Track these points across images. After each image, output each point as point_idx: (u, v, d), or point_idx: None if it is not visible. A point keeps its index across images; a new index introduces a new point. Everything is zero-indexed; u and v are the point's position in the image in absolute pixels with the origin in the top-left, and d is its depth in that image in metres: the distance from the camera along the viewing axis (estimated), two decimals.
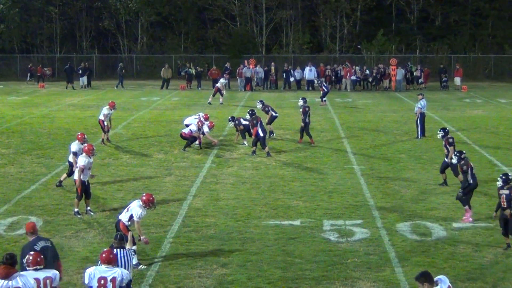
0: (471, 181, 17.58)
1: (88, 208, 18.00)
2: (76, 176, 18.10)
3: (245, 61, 53.71)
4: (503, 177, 15.49)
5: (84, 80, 53.24)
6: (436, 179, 21.78)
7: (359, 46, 64.73)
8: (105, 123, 27.59)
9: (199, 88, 52.49)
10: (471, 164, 17.92)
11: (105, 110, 27.76)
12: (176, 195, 19.92)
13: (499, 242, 15.70)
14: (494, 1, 64.33)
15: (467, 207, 17.46)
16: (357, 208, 18.58)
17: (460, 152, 18.29)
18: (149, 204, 14.42)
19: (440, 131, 22.09)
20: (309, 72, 52.18)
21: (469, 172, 17.59)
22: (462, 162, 17.85)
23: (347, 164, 24.35)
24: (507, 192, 15.16)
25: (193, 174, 22.63)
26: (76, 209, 17.90)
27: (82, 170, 17.82)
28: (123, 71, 53.72)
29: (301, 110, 28.40)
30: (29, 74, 57.22)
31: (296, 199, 19.45)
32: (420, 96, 30.34)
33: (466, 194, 17.47)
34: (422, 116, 29.73)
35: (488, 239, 16.03)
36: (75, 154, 19.91)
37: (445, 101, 43.90)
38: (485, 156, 25.55)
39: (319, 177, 22.26)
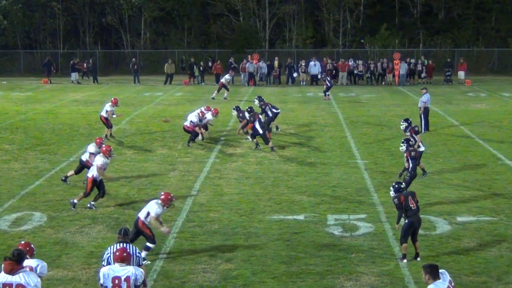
0: (413, 172, 18.22)
1: (93, 202, 18.07)
2: (90, 174, 18.22)
3: (249, 56, 53.73)
4: (396, 185, 14.71)
5: (75, 75, 53.77)
6: (440, 173, 21.80)
7: (362, 41, 64.66)
8: (109, 119, 27.59)
9: (202, 83, 52.52)
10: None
11: (108, 106, 27.75)
12: (180, 190, 19.93)
13: (504, 236, 15.72)
14: None
15: None
16: (361, 203, 18.59)
17: (407, 140, 19.29)
18: (167, 202, 14.47)
19: (403, 122, 22.41)
20: (314, 67, 52.18)
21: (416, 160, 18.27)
22: (412, 148, 18.68)
23: (350, 158, 24.35)
24: (396, 201, 14.38)
25: (197, 169, 22.64)
26: (75, 201, 18.03)
27: (99, 169, 17.98)
28: (135, 66, 53.60)
29: (260, 108, 28.62)
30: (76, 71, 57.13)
31: (300, 194, 19.46)
32: (424, 90, 30.30)
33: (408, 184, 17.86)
34: (426, 110, 29.70)
35: (492, 233, 16.03)
36: (93, 155, 19.91)
37: (448, 95, 43.85)
38: (489, 150, 25.52)
39: (323, 171, 22.26)
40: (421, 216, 17.21)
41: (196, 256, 14.51)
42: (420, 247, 14.48)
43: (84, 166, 20.21)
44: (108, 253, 11.27)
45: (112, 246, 11.39)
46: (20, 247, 10.44)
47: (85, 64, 55.51)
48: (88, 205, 18.04)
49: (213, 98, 41.53)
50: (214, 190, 19.89)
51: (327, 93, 41.28)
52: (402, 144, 19.35)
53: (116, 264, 10.36)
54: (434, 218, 17.17)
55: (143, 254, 13.70)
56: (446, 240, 15.54)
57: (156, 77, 56.16)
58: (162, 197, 14.55)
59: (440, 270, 9.91)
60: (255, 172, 22.15)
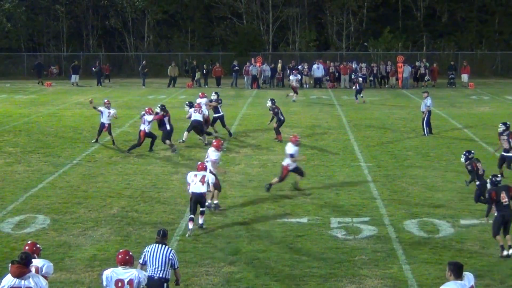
0: (478, 182, 17.61)
1: (216, 201, 18.24)
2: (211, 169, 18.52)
3: (252, 59, 53.75)
4: (492, 178, 15.09)
5: (76, 77, 54.14)
6: (444, 176, 21.74)
7: (365, 44, 64.66)
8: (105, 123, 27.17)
9: (206, 86, 52.56)
10: (478, 165, 18.07)
11: (101, 108, 27.49)
12: (183, 193, 19.85)
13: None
14: None
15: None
16: (364, 206, 18.57)
17: (469, 152, 18.61)
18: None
19: (501, 125, 22.15)
20: (317, 70, 52.18)
21: (475, 172, 17.87)
22: (468, 162, 18.24)
23: (354, 161, 24.33)
24: (487, 195, 15.05)
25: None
26: (216, 201, 18.23)
27: (214, 164, 18.39)
28: (146, 69, 53.77)
29: (271, 111, 28.39)
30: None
31: (303, 197, 19.44)
32: (426, 94, 30.16)
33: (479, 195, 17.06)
34: (429, 113, 29.60)
35: None
36: (292, 156, 19.86)
37: (452, 98, 43.82)
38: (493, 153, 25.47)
39: (326, 174, 22.25)
40: (424, 219, 17.31)
41: (199, 258, 14.50)
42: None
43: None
44: (145, 251, 11.42)
45: (150, 246, 11.48)
46: (27, 249, 10.49)
47: (93, 68, 55.61)
48: (209, 205, 18.05)
49: (293, 100, 41.67)
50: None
51: (361, 95, 41.13)
52: (462, 156, 18.91)
53: (119, 267, 10.35)
54: (438, 221, 17.15)
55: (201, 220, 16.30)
56: (449, 243, 15.52)
57: (159, 80, 56.20)
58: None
59: (465, 272, 9.93)
60: (258, 175, 22.14)
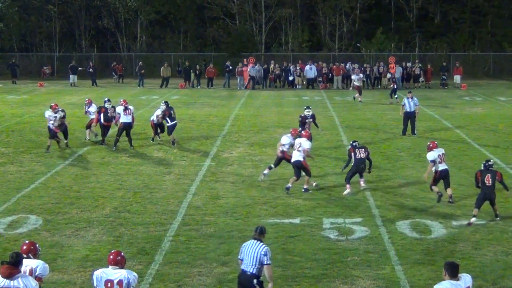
0: (353, 163, 19.96)
1: (306, 186, 20.14)
2: (300, 158, 20.12)
3: (244, 60, 53.73)
4: (485, 162, 17.60)
5: (74, 78, 54.23)
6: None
7: (358, 45, 64.73)
8: (52, 127, 26.25)
9: (199, 87, 52.56)
10: (356, 151, 19.92)
11: (47, 113, 26.73)
12: (176, 193, 19.92)
13: (499, 240, 15.73)
14: None
15: (348, 185, 19.78)
16: (356, 206, 18.59)
17: (354, 141, 20.59)
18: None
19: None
20: (309, 71, 52.20)
21: (353, 157, 19.91)
22: (349, 148, 20.38)
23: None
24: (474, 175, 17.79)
25: (193, 172, 22.63)
26: (305, 186, 20.22)
27: (307, 151, 20.14)
28: (142, 70, 53.69)
29: (310, 120, 26.95)
30: (113, 72, 57.39)
31: (295, 197, 19.45)
32: (411, 94, 30.05)
33: (350, 173, 19.91)
34: (411, 114, 29.43)
35: (487, 236, 16.03)
36: (433, 162, 19.31)
37: (444, 99, 43.91)
38: (484, 154, 25.52)
39: (319, 175, 22.25)
40: (416, 219, 17.34)
41: (191, 259, 14.49)
42: (498, 209, 17.34)
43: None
44: (242, 247, 11.59)
45: (248, 242, 11.58)
46: (24, 248, 10.47)
47: (88, 69, 55.60)
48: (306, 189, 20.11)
49: (360, 101, 41.97)
50: (210, 194, 19.88)
51: (395, 95, 41.16)
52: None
53: (110, 267, 10.31)
54: (430, 222, 17.18)
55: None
56: (442, 244, 15.55)
57: (152, 81, 56.12)
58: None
59: (463, 274, 9.97)
60: (251, 175, 22.14)
